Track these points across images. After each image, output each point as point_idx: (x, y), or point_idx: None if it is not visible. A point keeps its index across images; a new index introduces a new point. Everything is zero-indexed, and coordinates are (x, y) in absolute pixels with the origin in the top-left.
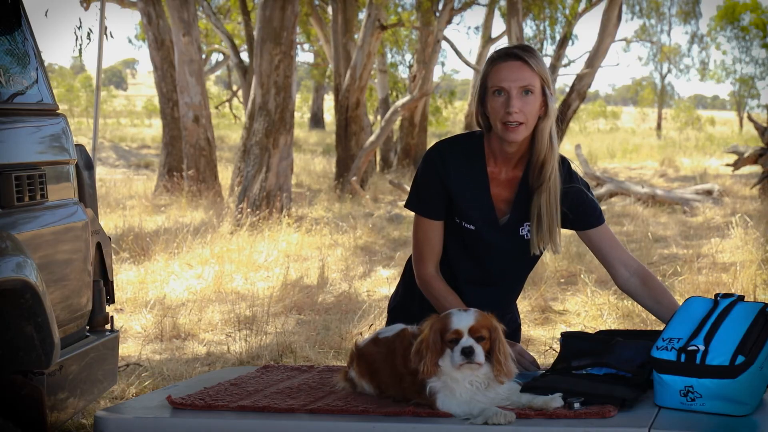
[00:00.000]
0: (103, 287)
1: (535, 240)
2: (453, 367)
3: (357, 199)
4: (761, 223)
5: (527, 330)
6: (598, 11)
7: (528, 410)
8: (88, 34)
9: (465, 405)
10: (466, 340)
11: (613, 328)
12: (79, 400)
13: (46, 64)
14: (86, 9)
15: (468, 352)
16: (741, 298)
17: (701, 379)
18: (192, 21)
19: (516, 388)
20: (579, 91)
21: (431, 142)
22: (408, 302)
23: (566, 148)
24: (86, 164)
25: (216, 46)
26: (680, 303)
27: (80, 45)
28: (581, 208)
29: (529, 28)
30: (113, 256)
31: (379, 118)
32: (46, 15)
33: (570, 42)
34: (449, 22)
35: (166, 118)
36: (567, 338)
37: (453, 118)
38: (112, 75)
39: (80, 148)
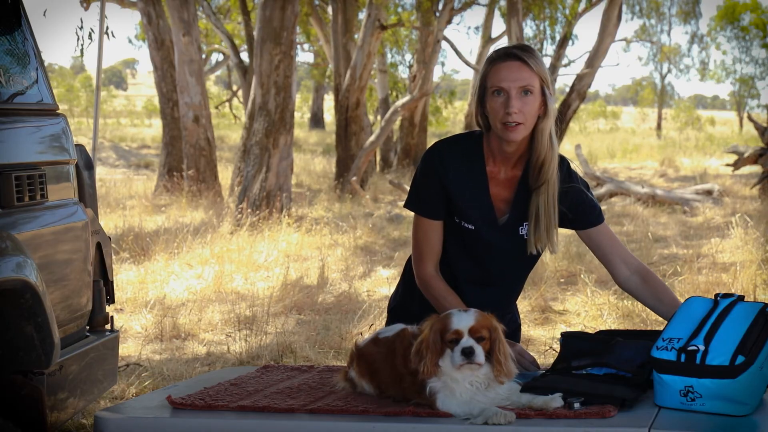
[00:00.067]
0: (103, 287)
1: (533, 240)
2: (453, 367)
3: (357, 199)
4: (761, 223)
5: (527, 330)
6: (598, 11)
7: (528, 410)
8: (90, 34)
9: (465, 405)
10: (466, 341)
11: (613, 328)
12: (79, 400)
13: (46, 64)
14: (86, 9)
15: (468, 353)
16: (741, 298)
17: (701, 379)
18: (192, 21)
19: (516, 388)
20: (579, 91)
21: (431, 142)
22: (408, 302)
23: (566, 148)
24: (86, 164)
25: (216, 46)
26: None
27: (82, 45)
28: (581, 208)
29: (529, 28)
30: (113, 256)
31: (379, 118)
32: (44, 15)
33: (570, 42)
34: (449, 22)
35: (166, 118)
36: (567, 338)
37: (453, 118)
38: (112, 75)
39: (80, 148)
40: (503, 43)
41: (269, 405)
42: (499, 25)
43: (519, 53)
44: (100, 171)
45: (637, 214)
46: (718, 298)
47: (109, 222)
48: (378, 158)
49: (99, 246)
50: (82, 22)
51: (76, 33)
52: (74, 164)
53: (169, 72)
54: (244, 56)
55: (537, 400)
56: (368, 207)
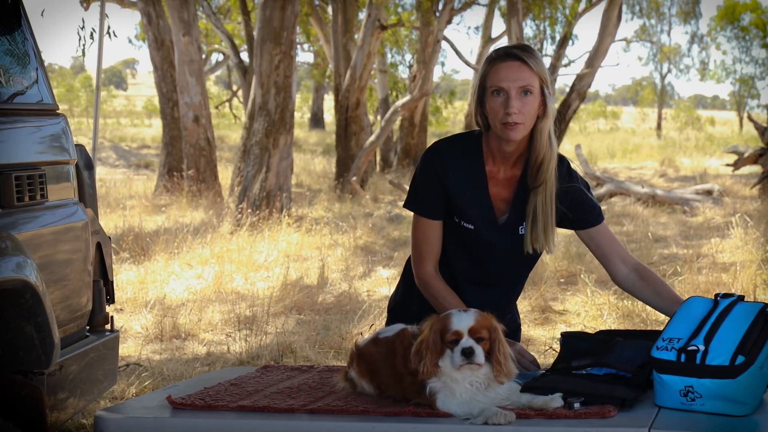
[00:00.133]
0: (103, 287)
1: (529, 239)
2: (453, 367)
3: (357, 199)
4: (761, 223)
5: (527, 330)
6: (598, 11)
7: (528, 410)
8: (91, 34)
9: (465, 405)
10: (466, 341)
11: (613, 328)
12: (79, 400)
13: (46, 64)
14: (86, 9)
15: (468, 353)
16: (741, 298)
17: (701, 379)
18: (192, 21)
19: (516, 388)
20: (579, 91)
21: (431, 142)
22: (408, 302)
23: (566, 148)
24: (86, 164)
25: (216, 46)
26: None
27: (83, 45)
28: (581, 208)
29: (529, 28)
30: (113, 256)
31: (379, 118)
32: (42, 15)
33: (570, 42)
34: (449, 22)
35: (166, 118)
36: (567, 338)
37: (453, 118)
38: (112, 75)
39: (80, 148)
40: (503, 43)
41: (269, 405)
42: (499, 25)
43: (519, 53)
44: (100, 171)
45: (637, 214)
46: (718, 298)
47: (109, 222)
48: (378, 158)
49: (99, 246)
50: (83, 22)
51: (78, 33)
52: (74, 164)
53: (169, 72)
54: (244, 56)
55: (537, 400)
56: (368, 207)
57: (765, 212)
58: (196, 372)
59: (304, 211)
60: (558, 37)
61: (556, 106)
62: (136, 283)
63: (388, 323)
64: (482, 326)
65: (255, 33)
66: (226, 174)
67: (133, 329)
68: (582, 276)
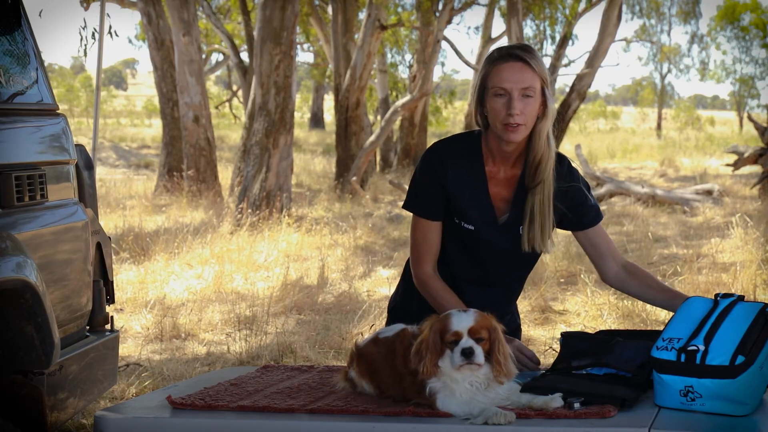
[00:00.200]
0: (103, 287)
1: (526, 238)
2: (453, 367)
3: (357, 199)
4: (761, 223)
5: (527, 330)
6: (598, 11)
7: (528, 410)
8: (93, 34)
9: (465, 405)
10: (466, 341)
11: (613, 328)
12: (79, 400)
13: (46, 64)
14: (86, 9)
15: (468, 353)
16: (741, 298)
17: (701, 379)
18: (192, 21)
19: (516, 388)
20: (579, 91)
21: (431, 142)
22: (408, 302)
23: (566, 148)
24: (86, 164)
25: (216, 46)
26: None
27: (85, 45)
28: (581, 208)
29: (529, 28)
30: (113, 256)
31: (379, 118)
32: (40, 15)
33: (570, 42)
34: (449, 22)
35: (166, 118)
36: (567, 338)
37: (453, 118)
38: (112, 75)
39: (80, 148)
40: (503, 43)
41: (269, 405)
42: (499, 25)
43: (521, 54)
44: (100, 171)
45: (637, 214)
46: (718, 298)
47: (109, 222)
48: (378, 158)
49: (99, 246)
50: (85, 21)
51: (80, 33)
52: (74, 164)
53: (169, 72)
54: (244, 56)
55: (537, 400)
56: (368, 207)
57: (765, 212)
58: (196, 372)
59: (304, 211)
60: (558, 37)
61: (556, 106)
62: (136, 283)
63: (388, 323)
64: (482, 326)
65: (255, 33)
66: (226, 174)
67: (133, 329)
68: (582, 276)
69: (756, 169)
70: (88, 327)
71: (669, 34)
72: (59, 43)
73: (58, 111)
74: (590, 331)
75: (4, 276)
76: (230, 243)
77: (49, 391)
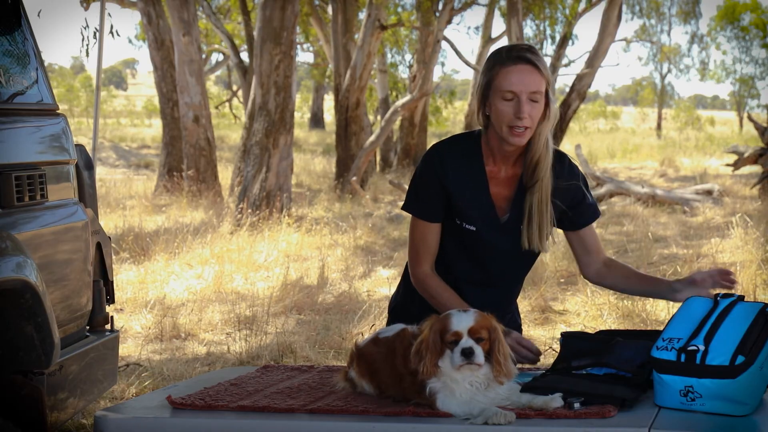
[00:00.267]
0: (103, 287)
1: (525, 237)
2: (453, 368)
3: (357, 199)
4: (761, 223)
5: (527, 330)
6: (598, 11)
7: (528, 410)
8: (95, 34)
9: (465, 405)
10: (466, 341)
11: (613, 328)
12: (79, 400)
13: (46, 64)
14: (86, 9)
15: (468, 353)
16: (741, 298)
17: (701, 379)
18: (192, 21)
19: (516, 388)
20: (579, 91)
21: (431, 142)
22: (408, 303)
23: (566, 147)
24: (86, 164)
25: (216, 46)
26: (679, 303)
27: (87, 45)
28: (580, 207)
29: (529, 28)
30: (113, 256)
31: (379, 118)
32: (38, 15)
33: (570, 42)
34: (449, 22)
35: (166, 118)
36: (567, 338)
37: (453, 118)
38: (112, 75)
39: (80, 148)
40: (503, 43)
41: (269, 405)
42: (499, 25)
43: (530, 57)
44: (100, 171)
45: (637, 214)
46: (718, 298)
47: (109, 222)
48: (378, 158)
49: (99, 246)
50: (86, 21)
51: (81, 32)
52: (74, 164)
53: (169, 72)
54: (244, 56)
55: (537, 400)
56: (368, 207)
57: (765, 212)
58: (196, 372)
59: (304, 211)
60: (558, 37)
61: (557, 106)
62: (136, 283)
63: (388, 324)
64: (482, 326)
65: (255, 33)
66: (226, 174)
67: (133, 329)
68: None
69: (756, 169)
70: (88, 327)
71: (669, 34)
72: (59, 43)
73: (58, 111)
74: (590, 331)
75: (4, 276)
76: (230, 243)
77: (49, 391)
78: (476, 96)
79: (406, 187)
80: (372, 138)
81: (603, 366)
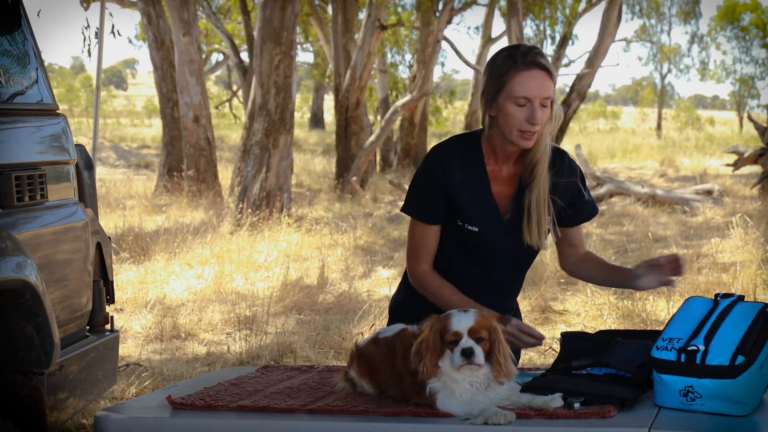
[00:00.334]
0: (103, 287)
1: (526, 232)
2: (453, 368)
3: (357, 199)
4: (761, 223)
5: None
6: (598, 11)
7: (528, 410)
8: (96, 34)
9: (465, 405)
10: (466, 342)
11: (613, 328)
12: (79, 400)
13: (46, 64)
14: (86, 9)
15: (468, 354)
16: (741, 298)
17: (701, 379)
18: (192, 21)
19: (516, 388)
20: (579, 91)
21: (431, 142)
22: (409, 303)
23: (566, 148)
24: (86, 164)
25: (216, 46)
26: (679, 303)
27: (89, 45)
28: (577, 205)
29: (529, 28)
30: (113, 256)
31: (379, 118)
32: (38, 15)
33: (570, 42)
34: (449, 22)
35: (166, 118)
36: (567, 338)
37: (453, 118)
38: (112, 75)
39: (80, 148)
40: (503, 43)
41: (269, 405)
42: (499, 25)
43: (544, 63)
44: (100, 171)
45: (637, 214)
46: (718, 298)
47: (109, 222)
48: (378, 158)
49: (99, 246)
50: (87, 21)
51: (83, 32)
52: (74, 164)
53: (169, 72)
54: (244, 56)
55: (537, 400)
56: (368, 207)
57: (765, 212)
58: (196, 372)
59: (304, 211)
60: (558, 37)
61: (559, 107)
62: (136, 283)
63: (389, 325)
64: (482, 326)
65: (255, 33)
66: (226, 174)
67: (133, 329)
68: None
69: (756, 169)
70: (88, 327)
71: (669, 34)
72: (59, 43)
73: (58, 111)
74: (590, 331)
75: (4, 276)
76: (230, 243)
77: (49, 391)
78: (482, 96)
79: (406, 187)
80: (372, 138)
81: (603, 366)
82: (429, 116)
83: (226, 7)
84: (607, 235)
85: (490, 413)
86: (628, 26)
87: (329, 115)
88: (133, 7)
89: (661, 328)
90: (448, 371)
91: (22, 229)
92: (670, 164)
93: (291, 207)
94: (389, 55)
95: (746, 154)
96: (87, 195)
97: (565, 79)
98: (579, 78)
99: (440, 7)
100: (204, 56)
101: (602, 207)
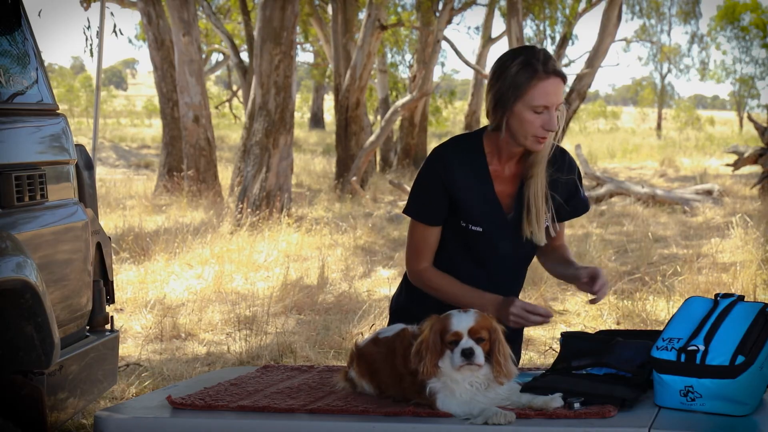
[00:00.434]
0: (103, 287)
1: (526, 227)
2: (453, 368)
3: (357, 199)
4: (761, 223)
5: (527, 330)
6: (598, 11)
7: (528, 410)
8: (97, 34)
9: (465, 405)
10: (466, 342)
11: (613, 328)
12: (79, 400)
13: (46, 64)
14: (86, 9)
15: (468, 354)
16: (741, 298)
17: (701, 379)
18: (192, 21)
19: (516, 388)
20: (579, 91)
21: (431, 142)
22: (410, 304)
23: (566, 147)
24: (86, 164)
25: (216, 46)
26: (679, 303)
27: (90, 45)
28: (573, 201)
29: (529, 28)
30: (113, 256)
31: (379, 118)
32: (39, 15)
33: (570, 42)
34: (449, 22)
35: (166, 118)
36: (567, 338)
37: (453, 118)
38: (112, 75)
39: (80, 148)
40: (503, 42)
41: (269, 405)
42: (499, 25)
43: (561, 70)
44: (100, 171)
45: (637, 214)
46: (718, 298)
47: (109, 222)
48: (378, 158)
49: (99, 246)
50: (89, 21)
51: (84, 32)
52: (74, 164)
53: (169, 72)
54: (244, 56)
55: (537, 400)
56: (368, 207)
57: (765, 212)
58: (196, 372)
59: (304, 211)
60: (558, 37)
61: (563, 107)
62: (136, 283)
63: (390, 325)
64: (482, 327)
65: (255, 33)
66: (226, 174)
67: (133, 329)
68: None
69: (756, 169)
70: (88, 327)
71: (669, 34)
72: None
73: (58, 111)
74: (590, 331)
75: (4, 276)
76: (230, 243)
77: (49, 391)
78: (495, 101)
79: (406, 187)
80: (372, 138)
81: (603, 366)
82: (429, 116)
83: (226, 7)
84: (607, 235)
85: (490, 413)
86: (628, 26)
87: (329, 115)
88: (133, 7)
89: (661, 328)
90: (448, 371)
91: (22, 229)
92: (670, 164)
93: (291, 207)
94: (389, 55)
95: (746, 154)
96: (87, 195)
97: None
98: (579, 78)
99: (440, 7)
100: (204, 56)
101: (602, 207)
